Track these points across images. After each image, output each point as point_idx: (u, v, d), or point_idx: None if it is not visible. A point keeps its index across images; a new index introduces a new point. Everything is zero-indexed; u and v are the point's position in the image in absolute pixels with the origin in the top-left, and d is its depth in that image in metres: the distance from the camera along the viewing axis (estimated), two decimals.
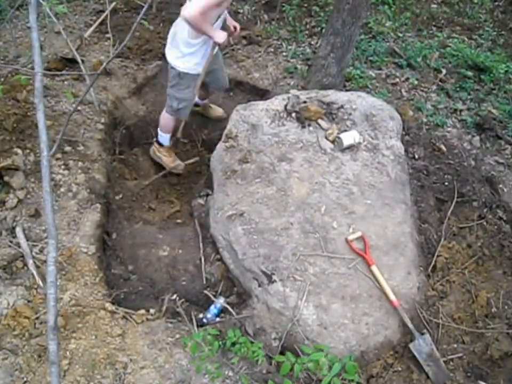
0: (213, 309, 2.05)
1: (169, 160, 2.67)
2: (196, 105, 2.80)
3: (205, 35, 2.15)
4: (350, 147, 2.40)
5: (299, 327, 1.90)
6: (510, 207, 2.59)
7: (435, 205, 2.52)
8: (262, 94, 3.10)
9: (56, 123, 2.41)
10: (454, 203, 2.50)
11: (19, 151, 2.22)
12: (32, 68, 1.65)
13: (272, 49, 3.44)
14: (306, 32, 3.66)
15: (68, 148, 2.38)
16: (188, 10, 2.04)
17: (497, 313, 2.17)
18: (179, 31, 2.23)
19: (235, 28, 2.39)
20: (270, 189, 2.23)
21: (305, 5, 3.89)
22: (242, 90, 3.19)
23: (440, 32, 3.96)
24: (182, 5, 3.65)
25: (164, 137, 2.64)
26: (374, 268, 2.03)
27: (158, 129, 2.62)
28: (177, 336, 1.89)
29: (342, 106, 2.54)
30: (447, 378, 1.96)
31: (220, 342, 1.77)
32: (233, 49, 3.37)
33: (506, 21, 4.31)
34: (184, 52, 2.24)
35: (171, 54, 2.30)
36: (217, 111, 2.96)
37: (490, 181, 2.71)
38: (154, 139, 2.69)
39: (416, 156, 2.69)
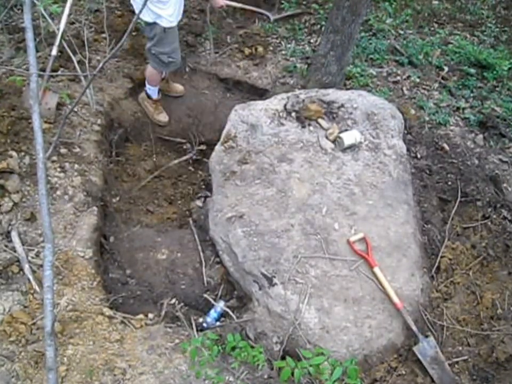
0: (213, 313, 2.02)
1: (154, 113, 2.81)
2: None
3: None
4: (351, 147, 2.36)
5: (301, 330, 1.87)
6: None
7: (438, 205, 2.48)
8: (261, 94, 3.06)
9: (51, 125, 2.38)
10: (457, 203, 2.46)
11: (14, 153, 2.18)
12: (27, 69, 1.62)
13: (271, 48, 3.40)
14: (306, 30, 3.62)
15: (63, 150, 2.35)
16: None
17: (503, 314, 2.14)
18: None
19: None
20: (270, 190, 2.19)
21: (304, 2, 3.85)
22: (241, 90, 3.16)
23: (441, 29, 3.91)
24: None
25: (152, 90, 2.74)
26: (376, 270, 2.00)
27: (146, 82, 2.73)
28: (177, 341, 1.86)
29: (342, 105, 2.51)
30: (452, 381, 1.93)
31: (220, 347, 1.75)
32: (231, 48, 3.33)
33: (509, 17, 4.26)
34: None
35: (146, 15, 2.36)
36: (177, 88, 2.96)
37: (494, 180, 2.67)
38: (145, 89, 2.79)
39: (419, 155, 2.65)
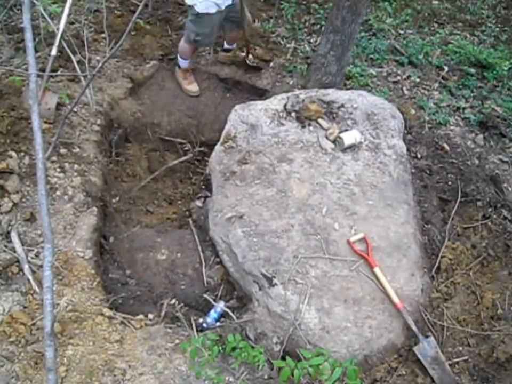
0: (213, 313, 2.02)
1: (184, 83, 2.97)
2: (226, 50, 3.09)
3: None
4: (351, 147, 2.36)
5: (301, 331, 1.87)
6: None
7: (438, 205, 2.48)
8: (261, 94, 3.06)
9: (51, 125, 2.37)
10: (457, 203, 2.46)
11: (14, 154, 2.18)
12: (27, 69, 1.62)
13: (270, 48, 3.39)
14: (306, 30, 3.62)
15: (63, 150, 2.34)
16: None
17: (503, 314, 2.14)
18: None
19: None
20: (270, 190, 2.19)
21: (304, 2, 3.84)
22: (241, 90, 3.15)
23: (441, 29, 3.91)
24: (178, 3, 3.64)
25: (182, 62, 2.91)
26: (376, 270, 1.99)
27: (178, 55, 2.90)
28: (177, 341, 1.86)
29: (342, 105, 2.50)
30: (453, 382, 1.93)
31: (220, 347, 1.74)
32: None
33: (509, 17, 4.26)
34: None
35: None
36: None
37: (494, 180, 2.67)
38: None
39: (419, 155, 2.65)
